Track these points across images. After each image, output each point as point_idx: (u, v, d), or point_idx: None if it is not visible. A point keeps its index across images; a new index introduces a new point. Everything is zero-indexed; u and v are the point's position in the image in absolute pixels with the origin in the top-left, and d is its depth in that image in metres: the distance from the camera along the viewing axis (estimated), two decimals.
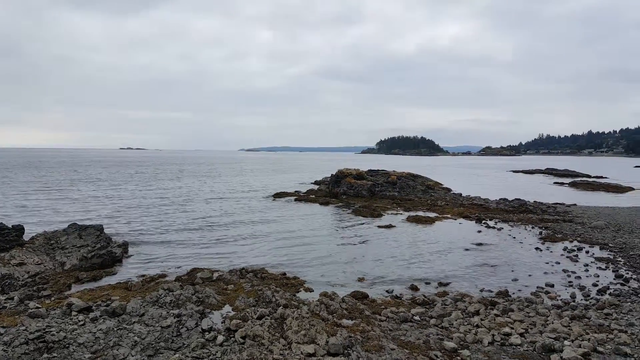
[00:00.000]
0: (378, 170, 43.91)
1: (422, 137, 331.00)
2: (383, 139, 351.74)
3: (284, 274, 13.22)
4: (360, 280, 12.83)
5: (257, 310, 9.00)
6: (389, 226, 21.89)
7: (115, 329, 7.84)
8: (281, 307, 9.23)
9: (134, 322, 8.27)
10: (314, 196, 34.20)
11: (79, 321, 8.10)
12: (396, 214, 26.36)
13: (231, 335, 7.85)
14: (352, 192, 33.69)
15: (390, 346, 7.47)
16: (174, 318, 8.41)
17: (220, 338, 7.68)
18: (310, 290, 11.73)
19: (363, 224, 22.82)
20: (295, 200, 32.64)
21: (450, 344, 7.69)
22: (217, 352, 7.20)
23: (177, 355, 7.09)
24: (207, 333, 7.99)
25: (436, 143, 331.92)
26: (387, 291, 11.85)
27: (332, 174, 38.05)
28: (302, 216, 25.29)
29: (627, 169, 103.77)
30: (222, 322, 8.70)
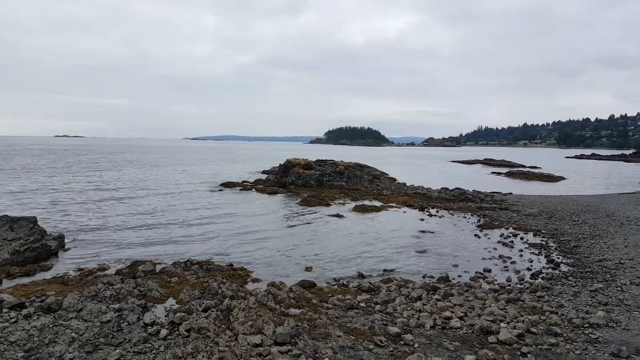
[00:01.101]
0: (326, 160, 44.17)
1: (369, 128, 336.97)
2: (331, 129, 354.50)
3: (231, 265, 13.01)
4: (308, 269, 12.88)
5: (203, 303, 8.80)
6: (337, 215, 22.13)
7: (50, 325, 7.38)
8: (227, 298, 9.08)
9: (71, 317, 7.82)
10: (262, 186, 33.90)
11: (11, 318, 7.58)
12: (344, 203, 26.69)
13: (175, 329, 7.62)
14: (301, 182, 33.71)
15: (337, 333, 7.56)
16: (115, 313, 8.03)
17: (164, 332, 7.44)
18: (258, 281, 11.63)
19: (311, 213, 22.92)
20: (243, 190, 32.20)
21: (394, 329, 7.89)
22: (160, 346, 6.98)
23: (117, 350, 6.78)
24: (149, 327, 7.71)
25: (382, 134, 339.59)
26: (334, 279, 11.98)
27: (280, 164, 37.84)
28: (249, 206, 25.01)
29: (559, 159, 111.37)
30: (165, 316, 8.42)
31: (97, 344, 7.05)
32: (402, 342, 7.52)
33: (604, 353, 7.39)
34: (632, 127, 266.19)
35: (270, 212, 23.38)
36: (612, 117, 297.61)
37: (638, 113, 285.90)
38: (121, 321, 7.86)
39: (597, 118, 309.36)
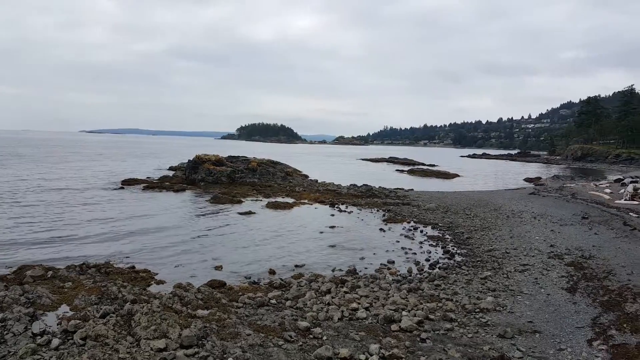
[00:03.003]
0: (238, 156, 43.43)
1: (281, 125, 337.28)
2: (244, 125, 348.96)
3: (133, 267, 12.24)
4: (218, 268, 12.57)
5: (101, 308, 8.19)
6: (249, 212, 21.87)
7: None
8: (129, 303, 8.54)
9: None
10: (168, 183, 32.33)
11: None
12: (256, 200, 26.46)
13: (69, 338, 7.00)
14: (211, 179, 32.73)
15: (246, 332, 7.48)
16: None
17: (56, 341, 6.79)
18: (163, 283, 11.09)
19: (222, 211, 22.39)
20: (147, 187, 30.36)
21: (303, 324, 8.01)
22: (51, 357, 6.36)
23: None
24: (39, 337, 6.99)
25: (295, 131, 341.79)
26: (245, 277, 11.83)
27: (189, 160, 36.35)
28: (154, 205, 23.73)
29: (455, 158, 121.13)
30: (58, 324, 7.69)
31: None
32: (311, 336, 7.65)
33: (492, 335, 8.18)
34: (517, 130, 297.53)
35: (178, 210, 22.41)
36: (500, 119, 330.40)
37: (522, 117, 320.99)
38: (5, 332, 7.04)
39: (487, 121, 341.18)
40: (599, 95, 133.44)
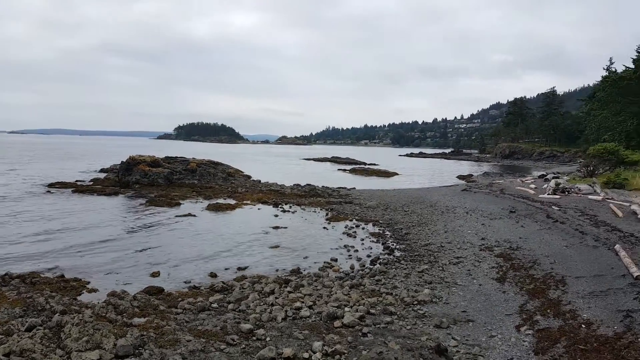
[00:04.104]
0: (176, 157, 42.05)
1: (222, 124, 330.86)
2: (181, 125, 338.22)
3: (62, 276, 11.48)
4: (155, 274, 12.10)
5: (26, 321, 7.62)
6: (188, 215, 21.24)
7: None
8: (58, 314, 8.01)
9: None
10: (100, 186, 30.64)
11: None
12: (196, 202, 25.76)
13: None
14: (147, 181, 31.41)
15: (187, 338, 7.27)
16: None
17: None
18: (96, 291, 10.51)
19: (159, 214, 21.57)
20: (76, 191, 28.59)
21: (246, 326, 7.92)
22: None
23: None
24: None
25: (237, 131, 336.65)
26: (184, 282, 11.49)
27: (122, 161, 34.62)
28: (85, 209, 22.40)
29: (394, 157, 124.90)
30: None
31: None
32: (254, 338, 7.59)
33: (429, 326, 8.53)
34: (450, 129, 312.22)
35: (111, 214, 21.31)
36: (435, 120, 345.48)
37: (455, 117, 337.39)
38: None
39: (423, 121, 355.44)
40: (525, 97, 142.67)
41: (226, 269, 12.86)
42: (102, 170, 42.65)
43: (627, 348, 6.37)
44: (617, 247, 11.99)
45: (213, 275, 12.14)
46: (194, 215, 21.32)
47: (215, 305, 9.42)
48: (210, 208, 23.59)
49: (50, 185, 30.24)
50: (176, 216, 20.96)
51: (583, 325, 7.73)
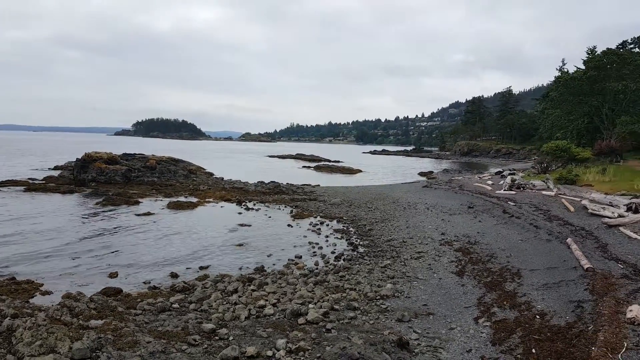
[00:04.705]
0: (135, 154, 40.79)
1: (183, 121, 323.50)
2: (140, 121, 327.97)
3: (13, 278, 10.92)
4: (113, 275, 11.70)
5: None
6: (148, 214, 20.66)
7: None
8: (8, 317, 7.58)
9: None
10: (54, 184, 29.32)
11: None
12: (156, 200, 25.08)
13: None
14: (104, 179, 30.32)
15: (146, 339, 7.07)
16: None
17: None
18: (50, 294, 10.05)
19: (117, 213, 20.87)
20: (29, 189, 27.23)
21: (208, 326, 7.79)
22: None
23: None
24: None
25: (198, 127, 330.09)
26: (144, 283, 11.17)
27: (77, 159, 33.22)
28: (38, 208, 21.37)
29: (358, 154, 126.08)
30: None
31: None
32: (216, 338, 7.48)
33: (391, 320, 8.68)
34: (412, 127, 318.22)
35: (66, 214, 20.42)
36: (397, 118, 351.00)
37: (416, 115, 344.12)
38: None
39: (386, 119, 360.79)
40: (482, 96, 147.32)
41: (187, 268, 12.59)
42: (55, 168, 40.73)
43: (578, 337, 6.69)
44: (569, 240, 12.59)
45: (174, 275, 11.86)
46: (154, 214, 20.76)
47: (176, 305, 9.21)
48: (171, 206, 23.03)
49: (0, 184, 28.62)
50: (135, 215, 20.35)
51: (537, 316, 8.06)
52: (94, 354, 6.42)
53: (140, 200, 24.52)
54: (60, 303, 8.70)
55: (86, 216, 19.92)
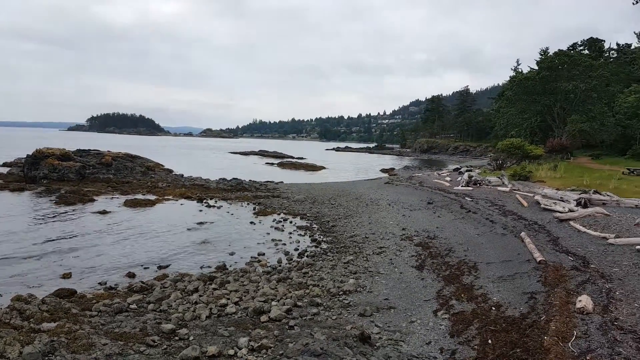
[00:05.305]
0: (89, 150, 39.18)
1: (141, 115, 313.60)
2: (95, 115, 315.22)
3: None
4: (66, 275, 11.22)
5: None
6: (104, 212, 19.92)
7: None
8: None
9: None
10: (2, 182, 27.76)
11: None
12: (112, 198, 24.22)
13: None
14: (56, 176, 28.97)
15: (102, 341, 6.83)
16: None
17: None
18: None
19: (70, 211, 20.01)
20: None
21: (168, 326, 7.61)
22: None
23: None
24: None
25: (157, 122, 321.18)
26: (99, 283, 10.78)
27: (27, 155, 31.57)
28: None
29: (321, 151, 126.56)
30: None
31: None
32: (176, 338, 7.32)
33: (354, 315, 8.77)
34: (374, 124, 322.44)
35: (15, 213, 19.38)
36: (360, 115, 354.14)
37: (378, 113, 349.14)
38: None
39: (349, 116, 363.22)
40: (442, 95, 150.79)
41: (146, 268, 12.24)
42: (4, 165, 38.49)
43: (531, 327, 7.00)
44: (522, 234, 13.11)
45: (131, 275, 11.50)
46: (110, 212, 20.04)
47: (134, 306, 8.95)
48: (128, 204, 22.31)
49: None
50: (90, 213, 19.59)
51: (493, 308, 8.37)
52: (47, 358, 6.15)
53: (95, 198, 23.61)
54: (9, 306, 8.29)
55: (38, 215, 18.98)
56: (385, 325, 8.25)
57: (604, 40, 68.75)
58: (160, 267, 12.29)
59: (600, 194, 18.00)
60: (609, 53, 68.93)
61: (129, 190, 26.72)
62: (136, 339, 7.12)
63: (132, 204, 22.28)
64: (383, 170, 55.93)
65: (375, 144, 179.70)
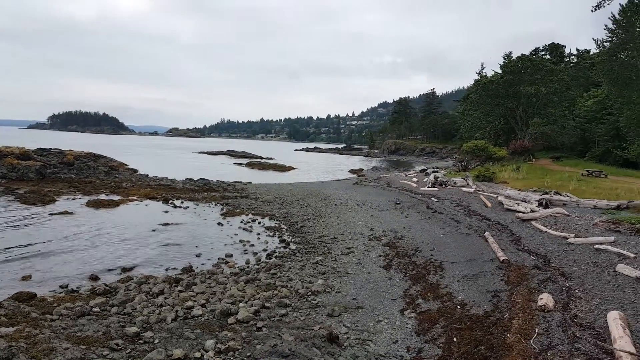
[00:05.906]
0: (50, 149, 37.76)
1: (104, 114, 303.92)
2: (57, 113, 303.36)
3: None
4: (26, 278, 10.79)
5: None
6: (65, 213, 19.23)
7: None
8: None
9: None
10: None
11: None
12: (74, 198, 23.40)
13: None
14: (15, 175, 27.75)
15: (64, 346, 6.61)
16: None
17: None
18: None
19: (30, 212, 19.19)
20: None
21: (132, 329, 7.45)
22: None
23: None
24: None
25: (121, 121, 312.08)
26: (61, 286, 10.41)
27: None
28: None
29: (290, 151, 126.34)
30: None
31: None
32: (141, 341, 7.17)
33: (322, 315, 8.83)
34: (343, 126, 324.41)
35: None
36: (329, 116, 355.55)
37: (347, 114, 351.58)
38: None
39: (318, 117, 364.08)
40: (409, 97, 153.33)
41: (109, 270, 11.92)
42: None
43: (495, 325, 7.22)
44: (486, 234, 13.51)
45: (94, 277, 11.17)
46: (72, 213, 19.36)
47: (96, 309, 8.70)
48: (91, 205, 21.63)
49: None
50: (50, 214, 18.86)
51: (458, 306, 8.59)
52: None
53: (56, 198, 22.76)
54: None
55: None
56: (353, 325, 8.34)
57: (565, 46, 71.80)
58: (124, 270, 11.99)
59: (561, 195, 18.78)
60: (569, 58, 71.99)
61: (91, 191, 25.89)
62: (99, 343, 6.93)
63: (95, 205, 21.61)
64: (352, 171, 56.38)
65: (344, 145, 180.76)
